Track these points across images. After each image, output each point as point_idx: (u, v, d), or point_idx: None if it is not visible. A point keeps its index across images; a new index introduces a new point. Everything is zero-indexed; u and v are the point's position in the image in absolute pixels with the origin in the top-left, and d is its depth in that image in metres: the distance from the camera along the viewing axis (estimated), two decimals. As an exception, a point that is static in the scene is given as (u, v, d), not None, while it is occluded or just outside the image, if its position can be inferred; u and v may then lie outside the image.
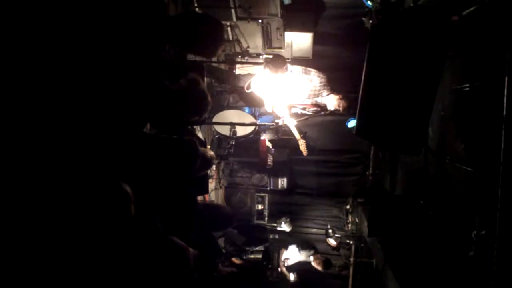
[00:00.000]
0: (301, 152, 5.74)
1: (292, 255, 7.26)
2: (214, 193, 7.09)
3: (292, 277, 7.39)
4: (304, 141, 5.63)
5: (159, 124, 2.70)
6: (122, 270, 2.06)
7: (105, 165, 2.11)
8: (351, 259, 7.86)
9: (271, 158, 6.92)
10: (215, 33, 2.66)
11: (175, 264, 2.27)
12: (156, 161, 2.40)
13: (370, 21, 6.08)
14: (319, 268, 7.06)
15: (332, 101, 5.34)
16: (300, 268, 7.56)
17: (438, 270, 4.18)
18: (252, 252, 7.03)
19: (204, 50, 2.72)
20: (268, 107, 5.44)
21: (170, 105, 2.40)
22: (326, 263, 7.09)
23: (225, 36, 5.89)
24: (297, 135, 5.54)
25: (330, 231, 7.67)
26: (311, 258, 7.13)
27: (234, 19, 5.55)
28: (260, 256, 7.41)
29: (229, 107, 5.97)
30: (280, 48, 6.17)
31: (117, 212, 1.84)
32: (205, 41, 2.61)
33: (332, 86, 5.44)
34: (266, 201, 7.90)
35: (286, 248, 7.41)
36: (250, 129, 5.99)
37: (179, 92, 2.39)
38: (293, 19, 6.26)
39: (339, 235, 7.80)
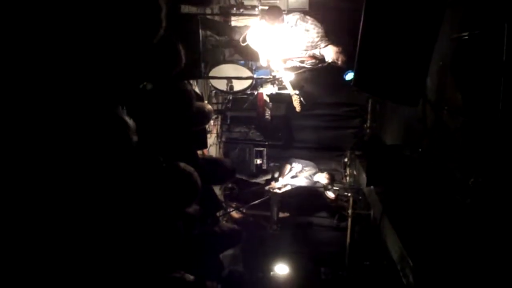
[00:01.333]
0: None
1: (292, 179, 7.23)
2: (213, 148, 7.11)
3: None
4: (298, 96, 5.58)
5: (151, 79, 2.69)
6: (128, 197, 2.12)
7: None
8: (349, 211, 7.98)
9: (269, 112, 6.89)
10: None
11: (183, 186, 2.39)
12: (151, 110, 2.42)
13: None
14: (325, 182, 7.11)
15: (331, 53, 5.25)
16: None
17: (435, 218, 4.25)
18: (251, 206, 7.13)
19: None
20: (263, 61, 5.37)
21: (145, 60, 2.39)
22: (332, 178, 7.18)
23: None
24: (290, 90, 5.49)
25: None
26: (317, 175, 7.16)
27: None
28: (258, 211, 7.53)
29: (225, 61, 5.89)
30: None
31: (117, 137, 1.86)
32: None
33: (331, 37, 5.34)
34: (265, 155, 7.94)
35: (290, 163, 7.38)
36: (247, 83, 5.95)
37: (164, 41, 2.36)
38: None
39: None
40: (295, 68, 5.59)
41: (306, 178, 7.15)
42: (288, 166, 7.20)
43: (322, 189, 7.47)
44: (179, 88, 2.57)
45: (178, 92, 2.58)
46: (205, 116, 3.40)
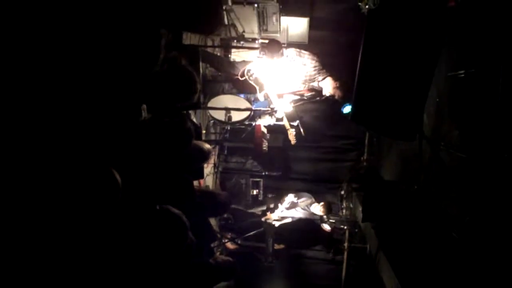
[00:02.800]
0: (296, 138, 5.76)
1: (288, 211, 7.16)
2: (210, 177, 7.09)
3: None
4: (293, 130, 5.64)
5: (152, 109, 2.70)
6: (120, 243, 2.09)
7: (97, 150, 2.11)
8: (345, 244, 7.92)
9: (266, 144, 6.91)
10: (212, 7, 2.63)
11: (173, 230, 2.33)
12: (147, 143, 2.42)
13: (367, 6, 6.05)
14: (321, 213, 7.05)
15: (328, 87, 5.34)
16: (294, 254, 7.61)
17: (431, 254, 4.22)
18: (246, 238, 7.07)
19: (202, 26, 2.70)
20: (260, 96, 5.46)
21: (151, 88, 2.40)
22: (328, 206, 7.12)
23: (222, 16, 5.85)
24: (286, 123, 5.56)
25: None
26: (313, 206, 7.11)
27: (230, 3, 5.49)
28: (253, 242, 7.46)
29: (224, 93, 5.94)
30: (276, 32, 6.14)
31: (104, 198, 1.85)
32: (203, 16, 2.59)
33: (328, 70, 5.43)
34: (261, 186, 7.91)
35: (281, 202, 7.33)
36: (245, 114, 5.98)
37: (160, 73, 2.38)
38: (289, 3, 6.22)
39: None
40: (293, 100, 5.65)
41: (303, 208, 7.12)
42: (284, 198, 7.19)
43: (318, 221, 7.42)
44: (179, 125, 2.58)
45: (177, 129, 2.58)
46: (203, 156, 3.41)
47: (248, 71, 5.24)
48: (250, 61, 5.45)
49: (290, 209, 7.13)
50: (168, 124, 2.53)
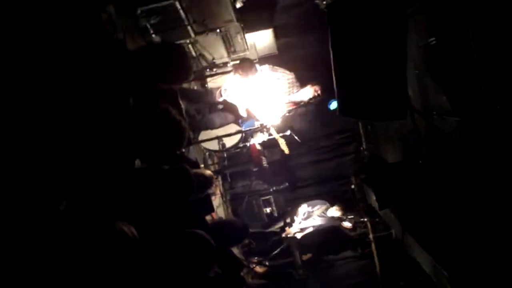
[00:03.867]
0: (294, 146, 5.78)
1: (306, 221, 7.12)
2: (220, 209, 7.06)
3: None
4: (283, 140, 5.71)
5: (146, 158, 2.68)
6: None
7: (100, 205, 2.10)
8: (370, 236, 7.86)
9: (265, 160, 6.91)
10: (183, 59, 2.63)
11: (202, 252, 2.35)
12: (151, 196, 2.39)
13: (324, 2, 6.10)
14: (339, 215, 7.01)
15: (307, 92, 5.41)
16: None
17: (454, 224, 4.19)
18: (272, 257, 7.03)
19: (176, 79, 2.70)
20: (242, 113, 5.49)
21: (144, 141, 2.39)
22: (344, 206, 7.09)
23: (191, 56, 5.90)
24: (275, 135, 5.61)
25: (343, 217, 7.65)
26: (330, 210, 7.06)
27: (193, 35, 5.54)
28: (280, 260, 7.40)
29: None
30: (245, 51, 6.17)
31: (116, 253, 1.82)
32: (176, 70, 2.58)
33: (304, 81, 5.50)
34: (273, 203, 7.88)
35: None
36: (237, 137, 6.01)
37: (149, 127, 2.37)
38: (250, 19, 6.26)
39: (351, 216, 7.80)
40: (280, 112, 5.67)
41: (320, 216, 7.10)
42: (298, 210, 7.17)
43: (338, 222, 7.39)
44: (176, 170, 2.56)
45: (176, 174, 2.56)
46: (206, 182, 3.40)
47: (224, 90, 5.30)
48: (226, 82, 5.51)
49: (307, 219, 7.10)
50: (169, 173, 2.52)
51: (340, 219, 7.23)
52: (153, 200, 2.39)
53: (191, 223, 3.03)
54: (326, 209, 7.11)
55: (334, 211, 7.05)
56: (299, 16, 6.94)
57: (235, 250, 6.28)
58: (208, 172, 3.54)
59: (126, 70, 2.25)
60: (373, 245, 7.93)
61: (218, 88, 5.61)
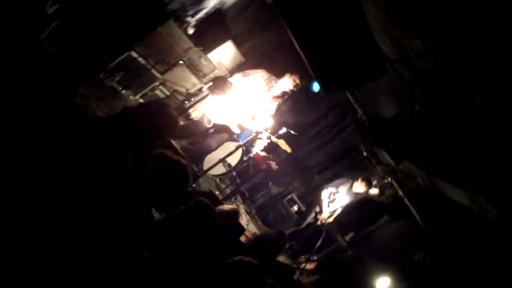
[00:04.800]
0: (295, 139, 5.80)
1: (334, 203, 7.10)
2: (251, 225, 7.04)
3: None
4: (282, 140, 5.79)
5: (160, 207, 2.68)
6: None
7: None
8: (400, 193, 7.85)
9: (274, 163, 6.93)
10: (164, 116, 2.57)
11: (252, 276, 2.34)
12: (180, 241, 2.40)
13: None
14: (364, 189, 6.97)
15: (285, 83, 5.42)
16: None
17: (472, 149, 4.19)
18: (317, 250, 7.01)
19: (164, 135, 2.65)
20: (235, 129, 5.52)
21: (150, 191, 2.38)
22: (367, 180, 7.05)
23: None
24: (273, 138, 5.70)
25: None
26: (354, 186, 7.03)
27: (159, 76, 5.57)
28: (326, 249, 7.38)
29: (209, 151, 5.96)
30: (214, 71, 6.19)
31: None
32: (160, 129, 2.54)
33: (278, 74, 5.52)
34: (296, 199, 7.88)
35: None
36: (239, 153, 6.02)
37: (150, 175, 2.37)
38: (207, 39, 6.27)
39: (375, 182, 7.79)
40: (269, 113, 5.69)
41: (346, 194, 7.07)
42: (323, 195, 7.14)
43: (365, 193, 7.38)
44: (195, 206, 2.56)
45: (195, 210, 2.56)
46: (232, 217, 3.38)
47: (207, 118, 5.35)
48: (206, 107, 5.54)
49: (334, 201, 7.07)
50: (187, 212, 2.52)
51: (366, 190, 7.19)
52: (183, 243, 2.39)
53: (228, 251, 3.03)
54: (350, 186, 7.08)
55: (359, 186, 7.01)
56: (250, 17, 6.95)
57: (281, 258, 6.27)
58: (226, 207, 3.53)
59: (111, 142, 2.24)
60: (406, 200, 7.92)
61: (203, 115, 5.63)
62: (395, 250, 8.36)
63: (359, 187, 7.02)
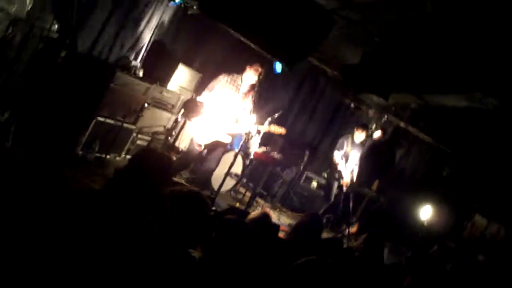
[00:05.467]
0: (282, 122, 5.82)
1: (349, 162, 7.13)
2: (283, 217, 7.03)
3: None
4: (273, 125, 5.85)
5: (193, 243, 2.67)
6: None
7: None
8: (402, 125, 7.92)
9: (275, 153, 6.94)
10: (158, 157, 2.55)
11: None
12: (228, 262, 2.40)
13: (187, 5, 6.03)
14: (364, 135, 7.05)
15: (249, 76, 5.43)
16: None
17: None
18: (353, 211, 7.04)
19: (166, 177, 2.63)
20: (226, 140, 5.54)
21: (179, 229, 2.37)
22: (363, 126, 7.20)
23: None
24: (266, 129, 5.83)
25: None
26: (355, 136, 7.07)
27: (133, 127, 5.58)
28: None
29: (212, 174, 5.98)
30: (179, 98, 6.19)
31: None
32: (161, 172, 2.52)
33: (236, 69, 5.53)
34: (312, 176, 7.92)
35: None
36: (240, 159, 6.05)
37: (173, 216, 2.35)
38: (158, 73, 6.27)
39: (373, 125, 7.88)
40: (250, 110, 5.69)
41: (353, 149, 7.07)
42: (335, 160, 7.11)
43: (371, 139, 7.44)
44: (223, 230, 2.56)
45: (235, 227, 2.57)
46: (267, 221, 3.37)
47: (195, 143, 5.37)
48: (191, 136, 5.58)
49: (348, 160, 7.07)
50: (222, 236, 2.52)
51: (366, 135, 7.19)
52: (234, 265, 2.39)
53: (275, 251, 3.03)
54: (352, 139, 7.09)
55: (358, 135, 7.04)
56: (187, 35, 6.96)
57: (324, 235, 6.28)
58: (255, 213, 3.50)
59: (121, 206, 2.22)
60: (410, 128, 7.98)
61: (191, 141, 5.64)
62: (423, 176, 8.41)
63: (359, 136, 7.04)
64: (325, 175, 7.42)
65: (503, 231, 8.29)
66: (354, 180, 7.12)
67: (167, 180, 2.54)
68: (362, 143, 7.17)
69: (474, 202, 8.53)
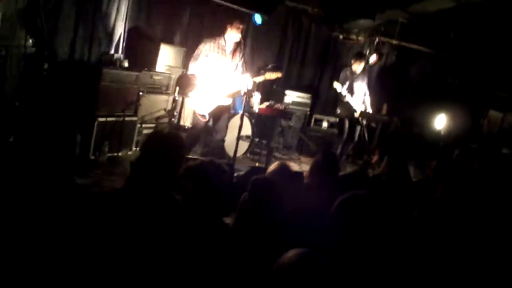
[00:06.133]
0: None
1: (354, 94, 7.07)
2: (304, 166, 7.05)
3: None
4: (268, 72, 5.97)
5: (224, 211, 2.69)
6: None
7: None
8: (394, 42, 7.82)
9: (278, 104, 6.91)
10: (166, 140, 2.53)
11: None
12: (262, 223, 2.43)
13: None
14: (362, 64, 6.98)
15: (232, 35, 5.39)
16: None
17: None
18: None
19: (181, 157, 2.60)
20: (227, 103, 5.53)
21: (207, 201, 2.39)
22: (357, 55, 7.19)
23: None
24: (262, 78, 5.97)
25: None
26: (353, 67, 7.01)
27: (135, 118, 5.58)
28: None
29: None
30: (170, 77, 6.15)
31: None
32: (180, 150, 2.50)
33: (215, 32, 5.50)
34: (320, 117, 7.94)
35: None
36: (247, 120, 6.10)
37: (195, 191, 2.36)
38: (142, 59, 6.19)
39: (367, 51, 7.84)
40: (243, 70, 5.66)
41: (355, 80, 6.96)
42: (340, 95, 6.99)
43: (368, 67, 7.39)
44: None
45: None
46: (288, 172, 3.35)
47: (199, 114, 5.39)
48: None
49: (354, 93, 6.94)
50: (253, 200, 2.54)
51: (364, 63, 7.07)
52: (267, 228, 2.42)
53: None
54: (350, 71, 6.97)
55: (357, 66, 6.91)
56: (159, 14, 6.83)
57: (347, 170, 6.30)
58: (272, 167, 3.48)
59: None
60: (404, 44, 7.90)
61: (194, 114, 5.67)
62: (430, 88, 8.37)
63: (358, 66, 6.93)
64: (338, 110, 7.27)
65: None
66: (368, 109, 7.05)
67: (181, 158, 2.53)
68: (364, 72, 7.06)
69: (485, 99, 8.51)
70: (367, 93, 7.15)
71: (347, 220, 2.02)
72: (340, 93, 6.87)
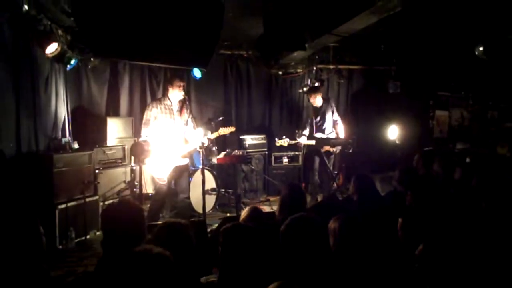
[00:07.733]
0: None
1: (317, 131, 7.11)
2: (276, 202, 7.05)
3: None
4: (221, 128, 6.11)
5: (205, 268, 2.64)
6: None
7: None
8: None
9: (237, 152, 6.90)
10: (123, 210, 2.50)
11: None
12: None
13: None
14: (320, 96, 7.00)
15: (175, 94, 5.46)
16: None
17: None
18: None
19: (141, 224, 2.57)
20: (183, 162, 5.56)
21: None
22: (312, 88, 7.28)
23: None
24: (215, 135, 6.11)
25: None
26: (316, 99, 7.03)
27: (97, 196, 5.47)
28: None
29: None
30: (124, 147, 6.11)
31: None
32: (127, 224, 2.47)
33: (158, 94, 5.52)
34: (280, 154, 7.96)
35: None
36: (208, 173, 6.04)
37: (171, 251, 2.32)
38: (90, 135, 6.18)
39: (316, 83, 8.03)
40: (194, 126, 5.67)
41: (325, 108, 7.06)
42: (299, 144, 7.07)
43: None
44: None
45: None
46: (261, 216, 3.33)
47: (158, 179, 5.38)
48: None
49: (319, 127, 6.97)
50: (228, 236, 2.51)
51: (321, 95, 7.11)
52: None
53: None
54: (314, 106, 7.02)
55: (317, 99, 6.87)
56: (97, 87, 6.83)
57: (319, 198, 6.29)
58: (243, 214, 3.48)
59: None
60: (341, 66, 8.09)
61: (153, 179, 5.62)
62: (373, 101, 8.60)
63: (314, 99, 6.81)
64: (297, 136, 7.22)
65: (465, 112, 8.63)
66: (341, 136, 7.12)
67: (140, 216, 2.53)
68: (327, 102, 7.09)
69: (429, 100, 8.84)
70: (339, 121, 7.16)
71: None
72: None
